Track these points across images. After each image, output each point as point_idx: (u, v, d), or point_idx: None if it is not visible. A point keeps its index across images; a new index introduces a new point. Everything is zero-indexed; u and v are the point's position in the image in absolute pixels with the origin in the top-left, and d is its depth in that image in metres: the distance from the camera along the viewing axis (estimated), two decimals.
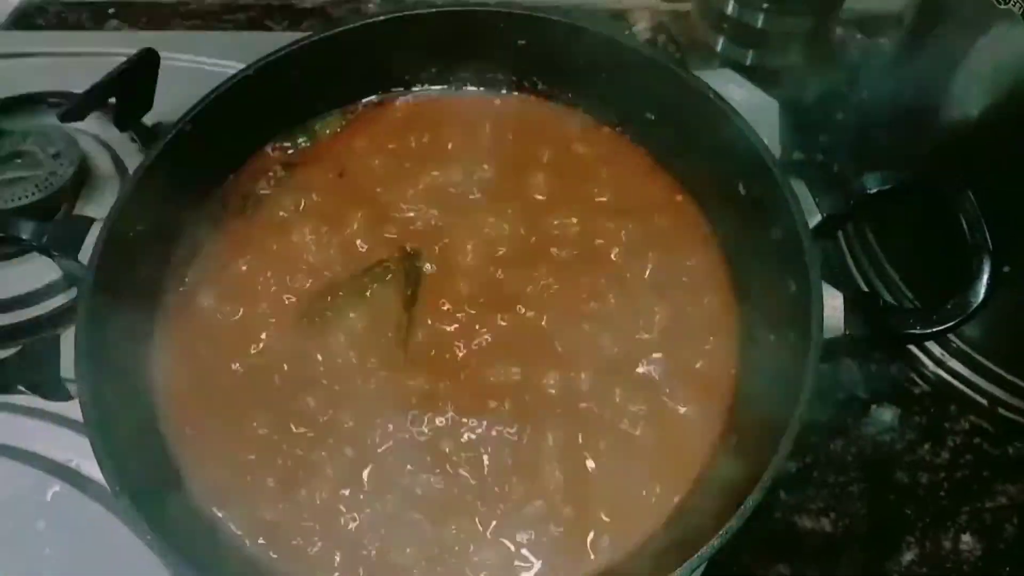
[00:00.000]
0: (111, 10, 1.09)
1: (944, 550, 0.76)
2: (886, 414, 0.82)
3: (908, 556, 0.76)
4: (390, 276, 0.65)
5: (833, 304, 0.58)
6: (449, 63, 0.75)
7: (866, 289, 0.75)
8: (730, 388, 0.62)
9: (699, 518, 0.57)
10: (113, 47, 0.77)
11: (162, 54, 0.76)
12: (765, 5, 0.86)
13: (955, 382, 0.81)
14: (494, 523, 0.59)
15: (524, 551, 0.58)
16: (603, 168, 0.71)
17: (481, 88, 0.76)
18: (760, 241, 0.63)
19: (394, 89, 0.76)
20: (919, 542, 0.77)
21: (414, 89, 0.76)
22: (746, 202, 0.64)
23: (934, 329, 0.56)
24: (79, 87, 0.74)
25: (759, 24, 0.87)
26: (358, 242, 0.68)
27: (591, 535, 0.58)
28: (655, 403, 0.62)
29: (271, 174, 0.72)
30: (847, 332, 0.58)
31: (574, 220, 0.69)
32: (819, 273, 0.58)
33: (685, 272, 0.66)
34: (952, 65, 0.68)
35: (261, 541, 0.59)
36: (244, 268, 0.67)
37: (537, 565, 0.58)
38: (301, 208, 0.70)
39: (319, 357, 0.63)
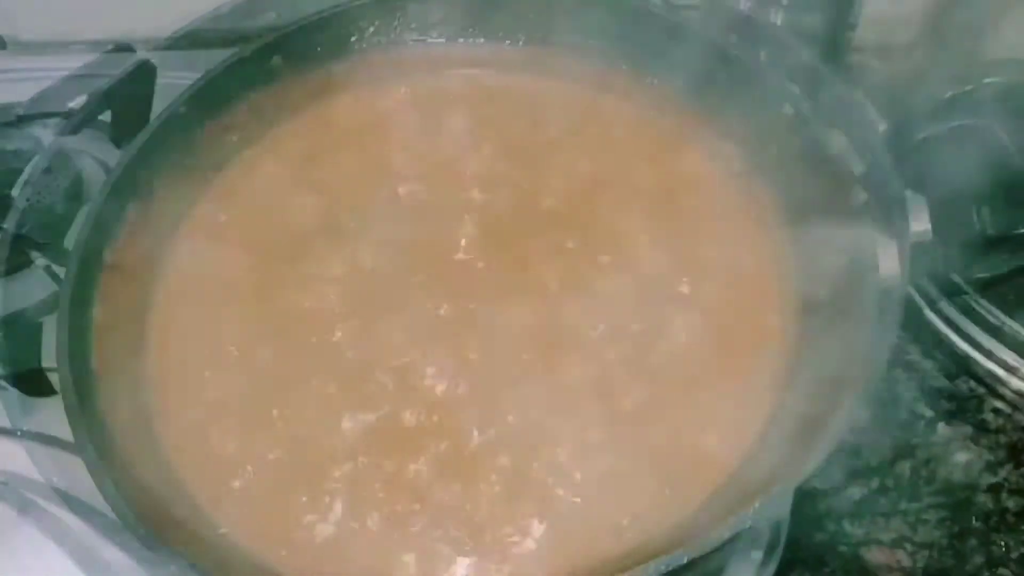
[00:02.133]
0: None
1: None
2: (957, 432, 0.70)
3: None
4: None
5: (918, 209, 0.48)
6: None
7: None
8: (795, 320, 0.51)
9: (776, 457, 0.45)
10: (110, 68, 0.73)
11: (161, 72, 0.72)
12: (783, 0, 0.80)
13: None
14: None
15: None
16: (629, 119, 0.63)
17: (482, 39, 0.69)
18: (814, 158, 0.53)
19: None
20: (1016, 574, 0.63)
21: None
22: (796, 121, 0.55)
23: None
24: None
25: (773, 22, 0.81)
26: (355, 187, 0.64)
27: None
28: (709, 347, 0.51)
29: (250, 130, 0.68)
30: (936, 237, 0.47)
31: (605, 169, 0.63)
32: (896, 171, 0.48)
33: (730, 210, 0.56)
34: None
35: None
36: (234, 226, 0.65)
37: None
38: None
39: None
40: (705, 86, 0.62)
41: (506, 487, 0.52)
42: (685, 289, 0.57)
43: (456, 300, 0.59)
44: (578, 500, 0.51)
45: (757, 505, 0.41)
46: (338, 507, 0.53)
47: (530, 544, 0.50)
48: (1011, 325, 0.71)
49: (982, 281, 0.61)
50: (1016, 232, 0.47)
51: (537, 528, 0.51)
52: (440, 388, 0.56)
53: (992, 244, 0.48)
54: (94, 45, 1.02)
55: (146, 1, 0.98)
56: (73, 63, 0.93)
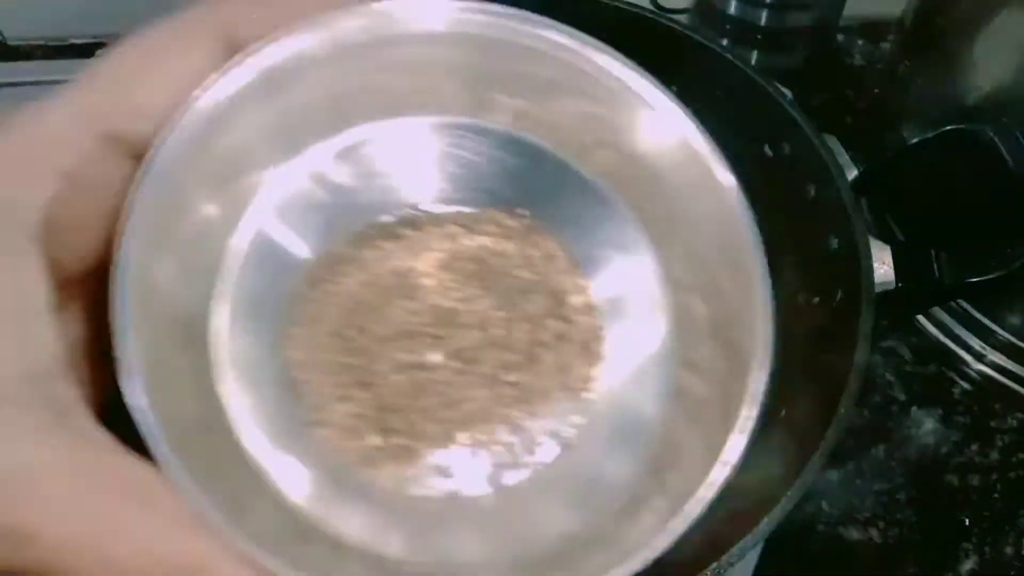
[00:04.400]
0: (98, 51, 1.05)
1: (1006, 555, 0.70)
2: (927, 415, 0.77)
3: (967, 564, 0.70)
4: None
5: (882, 257, 0.53)
6: None
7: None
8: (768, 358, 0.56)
9: (755, 494, 0.50)
10: None
11: None
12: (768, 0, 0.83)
13: (998, 376, 0.76)
14: None
15: None
16: None
17: None
18: (791, 203, 0.58)
19: None
20: (978, 548, 0.71)
21: None
22: (773, 164, 0.60)
23: (993, 275, 0.51)
24: None
25: (762, 22, 0.84)
26: None
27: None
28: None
29: None
30: (899, 284, 0.53)
31: None
32: (864, 223, 0.53)
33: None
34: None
35: None
36: None
37: None
38: None
39: None
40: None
41: None
42: None
43: None
44: None
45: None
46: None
47: None
48: (977, 314, 0.77)
49: None
50: (969, 281, 0.52)
51: None
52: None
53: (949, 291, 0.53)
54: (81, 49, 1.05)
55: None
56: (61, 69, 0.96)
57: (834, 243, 0.55)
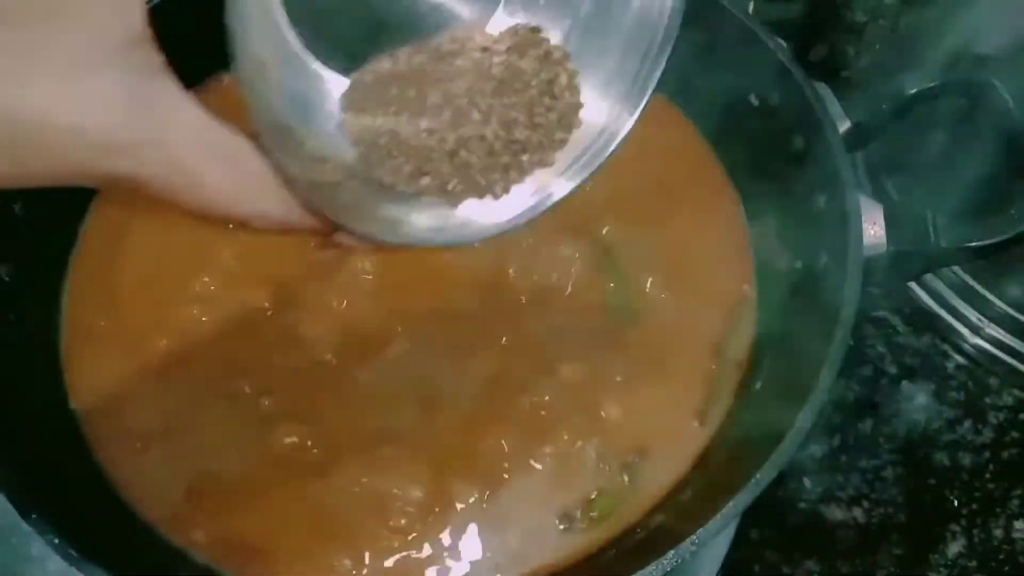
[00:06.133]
0: None
1: (995, 539, 0.67)
2: (919, 390, 0.72)
3: (954, 547, 0.66)
4: None
5: (873, 217, 0.49)
6: None
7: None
8: (751, 324, 0.53)
9: (727, 469, 0.47)
10: None
11: None
12: None
13: (995, 351, 0.72)
14: None
15: None
16: None
17: None
18: (776, 155, 0.53)
19: None
20: (966, 531, 0.67)
21: None
22: (759, 114, 0.55)
23: (995, 239, 0.47)
24: None
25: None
26: None
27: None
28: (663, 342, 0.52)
29: None
30: (891, 248, 0.48)
31: None
32: (854, 179, 0.49)
33: (688, 199, 0.56)
34: None
35: None
36: None
37: None
38: None
39: None
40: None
41: None
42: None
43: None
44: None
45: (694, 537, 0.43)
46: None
47: None
48: (975, 284, 0.72)
49: None
50: (968, 245, 0.48)
51: None
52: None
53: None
54: None
55: None
56: None
57: (821, 201, 0.51)
